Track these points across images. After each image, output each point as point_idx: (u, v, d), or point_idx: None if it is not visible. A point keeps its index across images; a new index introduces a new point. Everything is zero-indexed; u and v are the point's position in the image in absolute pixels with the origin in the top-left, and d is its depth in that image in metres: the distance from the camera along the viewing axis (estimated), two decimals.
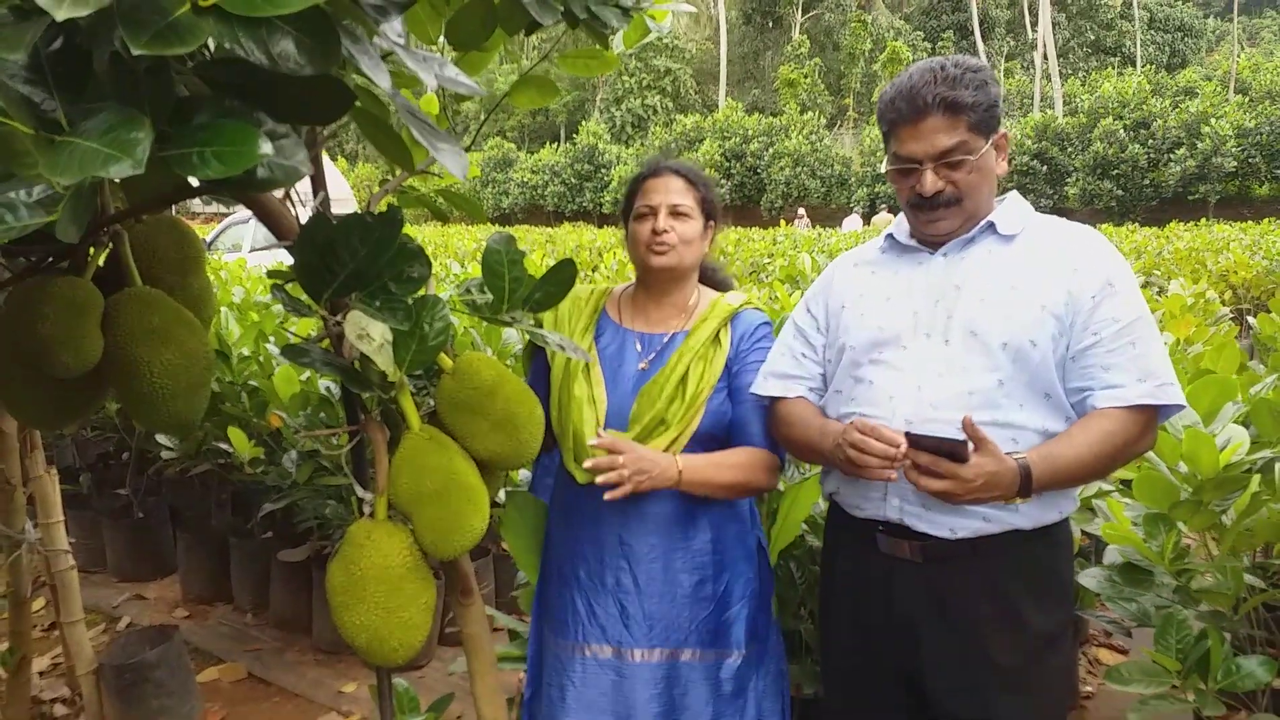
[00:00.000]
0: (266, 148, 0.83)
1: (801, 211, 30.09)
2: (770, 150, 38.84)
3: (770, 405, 1.88)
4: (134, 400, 1.26)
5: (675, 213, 1.92)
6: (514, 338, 3.49)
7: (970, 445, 1.48)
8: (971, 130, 1.60)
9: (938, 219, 1.67)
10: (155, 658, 2.87)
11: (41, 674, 3.33)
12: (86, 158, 0.75)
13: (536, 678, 2.04)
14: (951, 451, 1.48)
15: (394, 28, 1.21)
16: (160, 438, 3.73)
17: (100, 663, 2.85)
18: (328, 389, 3.17)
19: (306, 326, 3.39)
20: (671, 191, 1.94)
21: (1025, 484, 1.51)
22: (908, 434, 1.53)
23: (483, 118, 2.11)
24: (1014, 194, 1.75)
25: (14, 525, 2.50)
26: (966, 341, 1.62)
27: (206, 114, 0.92)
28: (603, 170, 42.09)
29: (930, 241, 1.74)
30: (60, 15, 0.65)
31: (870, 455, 1.53)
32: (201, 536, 4.09)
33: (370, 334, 1.27)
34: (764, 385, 1.87)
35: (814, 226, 24.76)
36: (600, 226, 28.51)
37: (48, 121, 0.81)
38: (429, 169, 1.68)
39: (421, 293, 1.34)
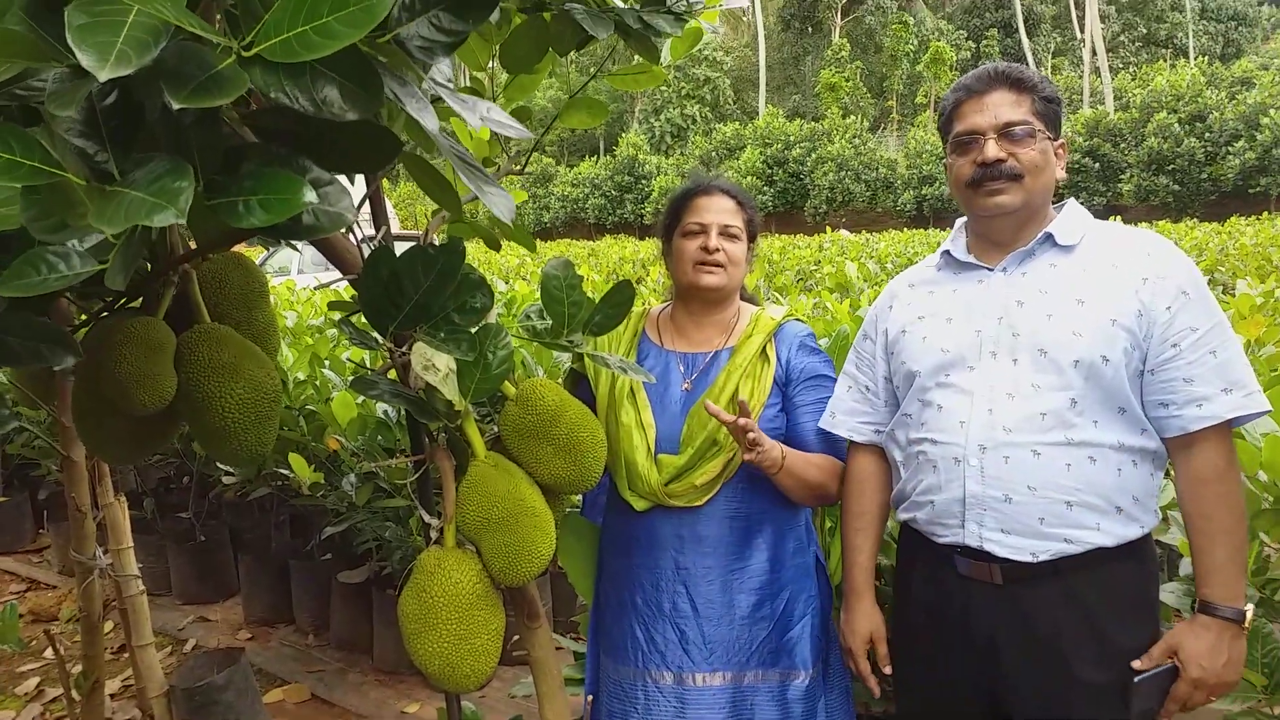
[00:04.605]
0: (310, 196, 0.84)
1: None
2: (813, 155, 38.65)
3: (847, 444, 1.90)
4: (206, 434, 1.27)
5: (726, 233, 1.92)
6: (565, 358, 3.50)
7: (1171, 664, 1.56)
8: (1036, 115, 1.62)
9: (999, 190, 1.61)
10: (224, 680, 2.92)
11: (113, 696, 3.40)
12: (132, 207, 0.77)
13: (596, 702, 2.02)
14: (1172, 677, 1.57)
15: (442, 70, 1.22)
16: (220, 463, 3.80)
17: (170, 685, 2.90)
18: (385, 413, 3.20)
19: (360, 351, 3.43)
20: (723, 211, 1.93)
21: (1239, 614, 1.55)
22: (1136, 682, 1.57)
23: (534, 141, 2.10)
24: (1071, 202, 1.71)
25: (85, 551, 2.56)
26: (1036, 360, 1.58)
27: (253, 162, 0.93)
28: (643, 181, 42.22)
29: (988, 256, 1.71)
30: (103, 76, 0.67)
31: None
32: (262, 559, 4.15)
33: (435, 364, 1.28)
34: (832, 422, 1.87)
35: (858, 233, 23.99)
36: (641, 238, 28.53)
37: (100, 172, 0.83)
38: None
39: (484, 322, 1.35)
